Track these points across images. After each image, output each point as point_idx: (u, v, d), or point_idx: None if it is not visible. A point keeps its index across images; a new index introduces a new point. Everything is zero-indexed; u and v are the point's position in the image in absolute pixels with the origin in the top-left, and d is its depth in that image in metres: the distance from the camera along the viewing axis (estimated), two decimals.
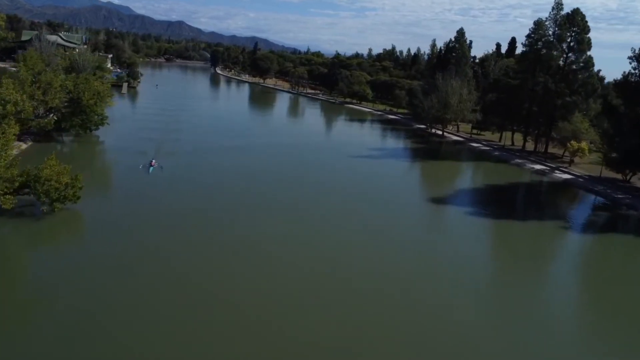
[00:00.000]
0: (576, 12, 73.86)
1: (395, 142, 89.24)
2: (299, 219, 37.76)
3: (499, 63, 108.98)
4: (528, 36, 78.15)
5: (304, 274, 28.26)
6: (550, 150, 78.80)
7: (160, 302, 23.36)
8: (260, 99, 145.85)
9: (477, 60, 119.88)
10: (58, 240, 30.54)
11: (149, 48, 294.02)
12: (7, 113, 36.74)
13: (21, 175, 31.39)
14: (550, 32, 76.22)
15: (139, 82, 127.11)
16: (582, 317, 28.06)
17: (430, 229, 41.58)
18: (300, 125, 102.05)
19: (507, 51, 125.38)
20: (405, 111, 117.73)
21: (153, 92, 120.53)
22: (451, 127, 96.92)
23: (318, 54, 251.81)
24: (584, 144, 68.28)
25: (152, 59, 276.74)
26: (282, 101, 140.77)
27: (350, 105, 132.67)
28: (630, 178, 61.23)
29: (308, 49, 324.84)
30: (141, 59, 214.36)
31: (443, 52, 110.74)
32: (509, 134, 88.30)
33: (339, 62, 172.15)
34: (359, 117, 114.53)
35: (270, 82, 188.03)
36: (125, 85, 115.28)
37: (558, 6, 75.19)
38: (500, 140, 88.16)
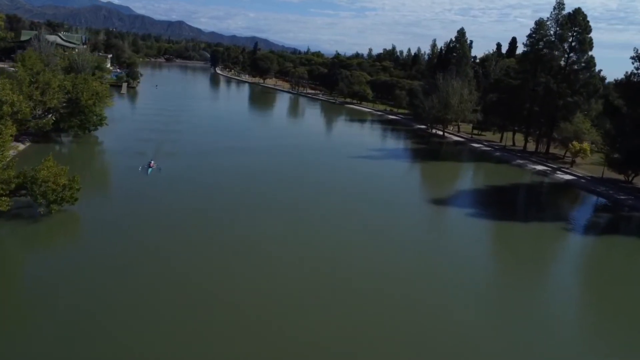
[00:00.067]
0: (578, 11, 73.47)
1: (395, 143, 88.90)
2: (299, 219, 37.68)
3: (499, 63, 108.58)
4: (529, 36, 77.80)
5: (304, 274, 28.26)
6: (552, 150, 78.41)
7: (160, 302, 23.32)
8: (260, 99, 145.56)
9: (477, 61, 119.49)
10: (55, 242, 30.27)
11: (148, 48, 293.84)
12: (3, 114, 36.33)
13: (18, 176, 31.02)
14: (552, 32, 75.83)
15: (138, 82, 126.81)
16: (583, 318, 27.93)
17: (431, 229, 41.34)
18: (300, 125, 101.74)
19: (507, 51, 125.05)
20: (406, 111, 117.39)
21: (153, 92, 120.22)
22: (452, 127, 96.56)
23: (318, 54, 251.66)
24: (585, 145, 67.91)
25: (152, 59, 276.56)
26: (282, 101, 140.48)
27: (351, 106, 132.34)
28: (632, 179, 60.84)
29: (308, 49, 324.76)
30: (141, 59, 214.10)
31: (444, 52, 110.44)
32: (510, 134, 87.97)
33: (339, 62, 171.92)
34: (359, 118, 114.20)
35: (270, 82, 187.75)
36: (124, 85, 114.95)
37: (559, 6, 74.77)
38: (501, 141, 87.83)
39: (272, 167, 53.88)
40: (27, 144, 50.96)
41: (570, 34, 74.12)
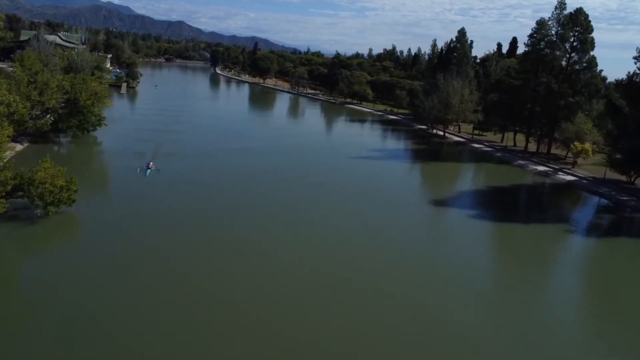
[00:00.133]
0: (579, 11, 73.15)
1: (395, 143, 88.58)
2: (299, 219, 37.64)
3: (500, 63, 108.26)
4: (530, 36, 77.48)
5: (304, 274, 28.25)
6: (553, 151, 78.05)
7: (160, 302, 23.30)
8: (260, 99, 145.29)
9: (478, 61, 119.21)
10: (52, 243, 30.03)
11: (148, 48, 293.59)
12: (0, 114, 36.01)
13: (15, 177, 30.64)
14: (553, 32, 75.53)
15: (138, 82, 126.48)
16: (584, 319, 27.82)
17: (431, 230, 41.19)
18: (300, 125, 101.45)
19: (508, 51, 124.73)
20: (406, 112, 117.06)
21: (152, 92, 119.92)
22: (452, 127, 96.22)
23: (318, 54, 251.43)
24: (587, 146, 67.55)
25: (152, 59, 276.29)
26: (282, 101, 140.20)
27: (351, 106, 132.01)
28: (635, 180, 60.44)
29: (308, 49, 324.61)
30: (141, 59, 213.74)
31: (444, 52, 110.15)
32: (511, 134, 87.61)
33: (339, 62, 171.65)
34: (360, 118, 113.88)
35: (270, 82, 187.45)
36: (124, 85, 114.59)
37: (561, 5, 74.40)
38: (502, 141, 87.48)
39: (272, 167, 53.71)
40: (25, 144, 50.64)
41: (571, 33, 73.80)
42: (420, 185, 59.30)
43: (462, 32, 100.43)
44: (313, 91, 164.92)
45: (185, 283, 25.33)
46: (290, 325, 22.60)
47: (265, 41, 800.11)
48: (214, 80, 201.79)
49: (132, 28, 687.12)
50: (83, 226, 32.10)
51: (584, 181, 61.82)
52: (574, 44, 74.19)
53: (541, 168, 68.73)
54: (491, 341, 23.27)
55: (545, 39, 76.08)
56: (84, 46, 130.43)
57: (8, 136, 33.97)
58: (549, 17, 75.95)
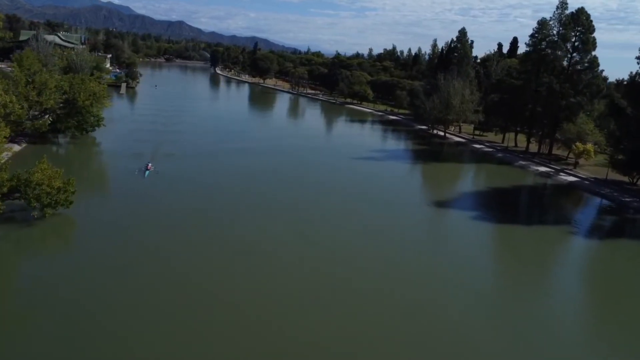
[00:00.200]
0: (581, 11, 72.79)
1: (396, 143, 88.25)
2: (299, 219, 37.64)
3: (501, 63, 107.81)
4: (532, 36, 77.08)
5: (304, 274, 28.25)
6: (555, 152, 77.66)
7: (160, 302, 23.30)
8: (260, 99, 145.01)
9: (478, 61, 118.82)
10: (50, 245, 29.85)
11: (148, 48, 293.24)
12: None
13: (11, 179, 30.33)
14: (555, 32, 75.12)
15: (137, 82, 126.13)
16: (585, 320, 27.85)
17: (431, 230, 41.11)
18: (300, 125, 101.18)
19: (509, 51, 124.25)
20: (407, 112, 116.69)
21: (152, 92, 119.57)
22: (453, 128, 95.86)
23: (318, 54, 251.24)
24: (589, 146, 67.18)
25: (152, 59, 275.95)
26: (282, 102, 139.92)
27: (351, 106, 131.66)
28: (637, 181, 60.05)
29: (308, 49, 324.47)
30: (140, 59, 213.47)
31: (445, 52, 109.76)
32: (512, 135, 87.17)
33: (339, 62, 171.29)
34: (360, 118, 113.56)
35: (270, 82, 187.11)
36: (123, 85, 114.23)
37: (562, 5, 74.00)
38: (503, 142, 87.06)
39: (272, 167, 53.60)
40: (24, 145, 50.29)
41: (573, 33, 73.43)
42: (421, 186, 59.03)
43: (462, 32, 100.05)
44: (313, 91, 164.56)
45: (185, 283, 25.35)
46: (290, 325, 22.59)
47: (265, 41, 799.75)
48: (214, 81, 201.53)
49: (132, 28, 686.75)
50: (80, 227, 31.83)
51: (586, 182, 61.43)
52: (576, 44, 73.81)
53: (542, 169, 68.35)
54: (491, 341, 23.27)
55: (547, 39, 75.68)
56: (84, 46, 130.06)
57: (5, 137, 33.66)
58: (551, 17, 75.64)
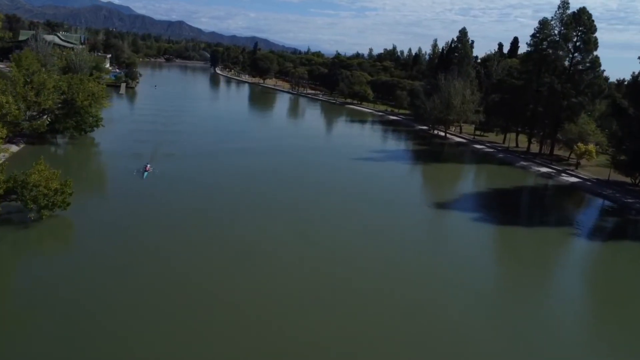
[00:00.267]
0: (582, 11, 72.44)
1: (396, 144, 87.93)
2: (299, 219, 37.66)
3: (501, 63, 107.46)
4: (533, 36, 76.72)
5: (304, 274, 28.24)
6: (556, 152, 77.30)
7: (160, 302, 23.28)
8: (260, 99, 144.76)
9: (479, 61, 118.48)
10: (49, 246, 29.69)
11: (148, 48, 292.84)
12: None
13: (8, 180, 30.00)
14: (556, 32, 74.74)
15: (137, 82, 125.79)
16: (585, 321, 27.81)
17: (431, 230, 41.06)
18: (301, 126, 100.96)
19: (509, 51, 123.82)
20: (407, 112, 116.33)
21: (152, 92, 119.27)
22: (454, 128, 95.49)
23: (318, 54, 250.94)
24: (591, 147, 66.82)
25: (152, 59, 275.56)
26: (282, 102, 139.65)
27: (351, 106, 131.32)
28: (639, 182, 59.69)
29: (308, 49, 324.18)
30: (140, 59, 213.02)
31: (445, 52, 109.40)
32: (513, 135, 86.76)
33: (340, 62, 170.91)
34: (360, 118, 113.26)
35: (270, 82, 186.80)
36: (123, 85, 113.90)
37: (564, 5, 73.65)
38: (504, 142, 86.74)
39: (272, 167, 53.49)
40: (22, 145, 49.94)
41: (574, 33, 73.08)
42: (421, 186, 58.80)
43: (463, 32, 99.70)
44: (313, 91, 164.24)
45: (185, 283, 25.32)
46: (290, 325, 22.58)
47: (265, 41, 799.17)
48: (214, 81, 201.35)
49: (132, 28, 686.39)
50: (79, 228, 31.59)
51: (588, 183, 61.06)
52: (577, 43, 73.47)
53: (544, 169, 67.99)
54: (491, 341, 23.25)
55: (548, 39, 75.31)
56: (83, 46, 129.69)
57: (2, 138, 33.31)
58: (552, 17, 75.28)
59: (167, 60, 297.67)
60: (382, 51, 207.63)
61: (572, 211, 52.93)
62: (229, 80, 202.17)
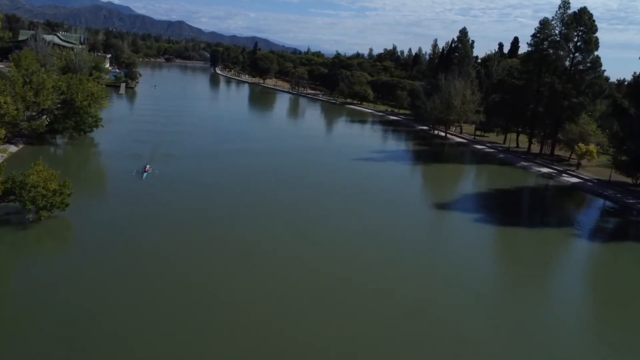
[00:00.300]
0: (583, 11, 72.22)
1: (396, 144, 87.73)
2: (299, 219, 37.65)
3: (502, 63, 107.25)
4: (534, 36, 76.48)
5: (304, 274, 28.18)
6: (557, 152, 77.10)
7: (160, 302, 23.27)
8: (260, 99, 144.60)
9: (479, 61, 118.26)
10: (48, 247, 29.55)
11: (148, 48, 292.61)
12: None
13: (6, 181, 29.85)
14: (557, 32, 74.52)
15: (137, 82, 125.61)
16: (585, 321, 27.73)
17: (431, 230, 41.03)
18: (301, 126, 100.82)
19: (509, 51, 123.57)
20: (407, 112, 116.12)
21: (151, 92, 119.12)
22: (454, 128, 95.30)
23: (318, 54, 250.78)
24: (592, 147, 66.60)
25: (152, 59, 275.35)
26: (282, 102, 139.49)
27: (351, 106, 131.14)
28: None
29: (308, 49, 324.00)
30: (140, 59, 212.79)
31: (446, 52, 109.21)
32: (513, 135, 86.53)
33: (340, 62, 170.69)
34: (360, 118, 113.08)
35: (270, 82, 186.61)
36: (123, 85, 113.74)
37: (565, 5, 73.43)
38: (504, 142, 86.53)
39: (272, 167, 53.43)
40: (21, 146, 49.75)
41: (575, 33, 72.86)
42: (421, 187, 58.67)
43: (463, 32, 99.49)
44: (313, 91, 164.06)
45: (185, 283, 25.28)
46: (290, 325, 22.57)
47: (266, 41, 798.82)
48: (214, 81, 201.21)
49: (132, 28, 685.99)
50: (78, 229, 31.43)
51: (589, 183, 60.85)
52: (578, 43, 73.26)
53: (545, 170, 67.78)
54: (491, 341, 23.22)
55: (549, 39, 75.08)
56: (83, 46, 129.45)
57: (0, 138, 33.11)
58: (553, 17, 75.07)
59: (167, 60, 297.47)
60: (382, 51, 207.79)
61: (573, 212, 52.75)
62: (228, 80, 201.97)
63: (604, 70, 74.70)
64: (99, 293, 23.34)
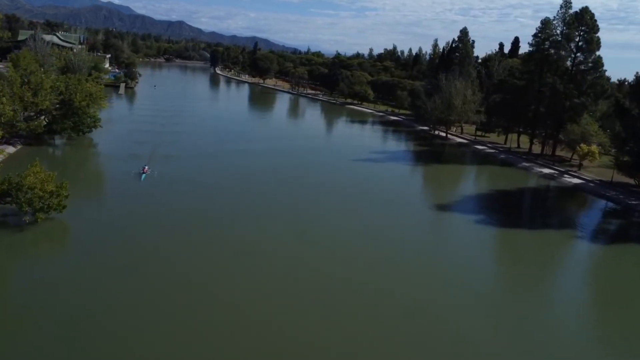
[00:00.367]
0: (585, 10, 71.82)
1: (397, 144, 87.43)
2: (299, 219, 37.62)
3: (502, 63, 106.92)
4: (535, 35, 76.09)
5: (304, 274, 28.15)
6: (558, 153, 76.74)
7: (160, 302, 23.24)
8: (260, 99, 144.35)
9: (479, 61, 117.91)
10: (44, 249, 29.38)
11: (148, 48, 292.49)
12: None
13: (2, 182, 29.51)
14: (558, 32, 74.14)
15: (137, 82, 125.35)
16: (587, 322, 27.64)
17: (432, 231, 40.91)
18: (301, 126, 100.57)
19: (510, 51, 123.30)
20: (408, 112, 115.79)
21: (151, 92, 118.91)
22: (455, 129, 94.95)
23: (318, 54, 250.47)
24: (594, 147, 66.22)
25: (152, 59, 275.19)
26: (282, 102, 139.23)
27: (351, 106, 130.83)
28: None
29: (308, 49, 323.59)
30: (140, 59, 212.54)
31: (446, 52, 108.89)
32: (514, 136, 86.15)
33: (340, 62, 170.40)
34: (360, 118, 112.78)
35: (270, 82, 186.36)
36: (122, 85, 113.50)
37: (566, 4, 73.07)
38: (505, 143, 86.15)
39: (272, 167, 53.33)
40: (19, 146, 49.43)
41: (577, 33, 72.48)
42: (422, 187, 58.41)
43: (464, 32, 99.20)
44: (313, 91, 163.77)
45: (185, 283, 25.24)
46: (290, 325, 22.55)
47: (266, 41, 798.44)
48: (214, 81, 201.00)
49: (132, 28, 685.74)
50: (76, 230, 31.28)
51: (591, 184, 60.49)
52: (580, 43, 72.87)
53: (546, 170, 67.42)
54: (491, 341, 23.17)
55: (550, 39, 74.70)
56: (82, 46, 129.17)
57: None
58: (554, 17, 74.69)
59: (167, 60, 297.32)
60: (382, 51, 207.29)
61: (575, 213, 52.41)
62: (228, 80, 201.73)
63: (606, 70, 74.41)
64: (99, 293, 23.49)
